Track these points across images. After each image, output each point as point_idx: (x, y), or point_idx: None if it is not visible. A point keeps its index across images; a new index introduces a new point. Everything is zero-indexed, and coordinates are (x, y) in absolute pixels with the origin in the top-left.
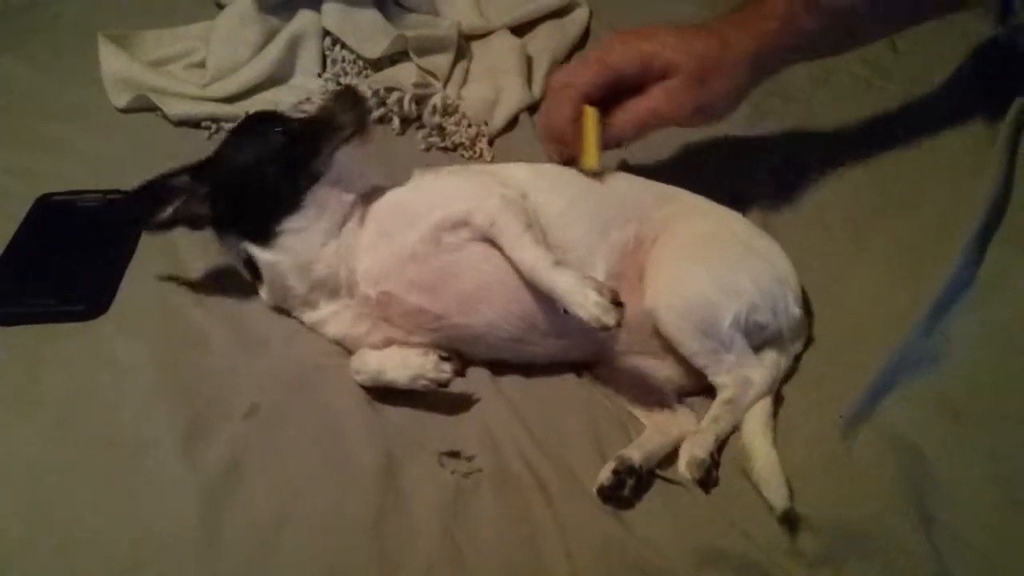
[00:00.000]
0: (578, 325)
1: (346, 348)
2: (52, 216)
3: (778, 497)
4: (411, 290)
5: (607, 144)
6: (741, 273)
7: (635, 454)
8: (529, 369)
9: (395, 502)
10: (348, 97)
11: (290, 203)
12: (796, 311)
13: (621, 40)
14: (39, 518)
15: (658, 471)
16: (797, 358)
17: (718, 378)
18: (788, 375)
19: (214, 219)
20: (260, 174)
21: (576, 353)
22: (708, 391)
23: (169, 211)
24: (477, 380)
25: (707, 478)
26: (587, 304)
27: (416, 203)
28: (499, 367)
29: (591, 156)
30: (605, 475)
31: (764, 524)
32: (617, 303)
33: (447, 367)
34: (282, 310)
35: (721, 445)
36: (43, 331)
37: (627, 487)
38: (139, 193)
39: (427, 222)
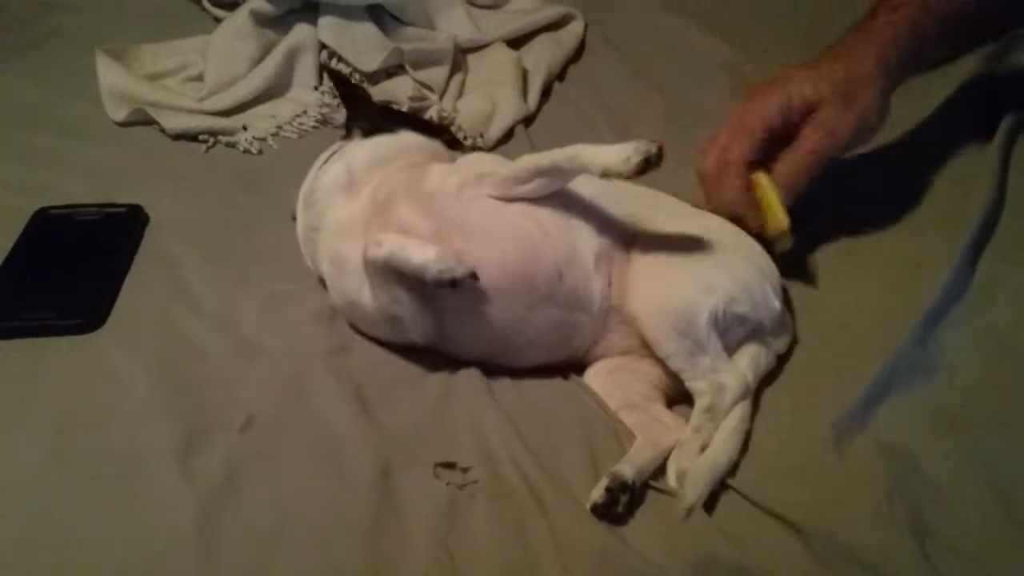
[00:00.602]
0: (571, 287)
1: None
2: (50, 230)
3: (690, 494)
4: (413, 207)
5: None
6: (717, 268)
7: (627, 469)
8: (518, 373)
9: (390, 513)
10: None
11: (421, 130)
12: (776, 304)
13: (754, 96)
14: (34, 531)
15: (651, 483)
16: (782, 359)
17: (694, 383)
18: (772, 378)
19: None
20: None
21: (569, 336)
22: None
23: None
24: (472, 389)
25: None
26: (621, 147)
27: (458, 164)
28: (491, 371)
29: (778, 216)
30: (598, 493)
31: (757, 532)
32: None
33: (465, 266)
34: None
35: None
36: (40, 344)
37: (621, 503)
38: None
39: (457, 175)
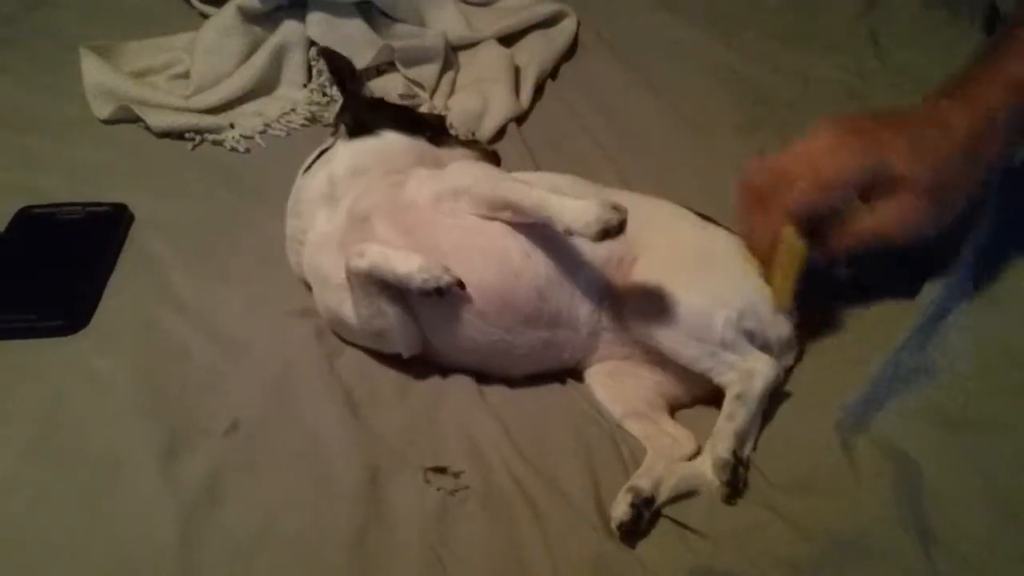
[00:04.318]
0: (555, 308)
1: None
2: (32, 229)
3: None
4: (390, 225)
5: (818, 265)
6: (726, 283)
7: (646, 483)
8: (512, 380)
9: (379, 520)
10: None
11: (406, 128)
12: (785, 329)
13: (843, 148)
14: (11, 536)
15: (665, 511)
16: (789, 371)
17: (723, 378)
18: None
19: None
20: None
21: (557, 353)
22: (703, 401)
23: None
24: (464, 393)
25: (734, 478)
26: (586, 211)
27: (437, 173)
28: (484, 376)
29: (781, 292)
30: (623, 510)
31: (757, 535)
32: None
33: (451, 274)
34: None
35: (743, 442)
36: (22, 346)
37: (644, 519)
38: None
39: (434, 186)
